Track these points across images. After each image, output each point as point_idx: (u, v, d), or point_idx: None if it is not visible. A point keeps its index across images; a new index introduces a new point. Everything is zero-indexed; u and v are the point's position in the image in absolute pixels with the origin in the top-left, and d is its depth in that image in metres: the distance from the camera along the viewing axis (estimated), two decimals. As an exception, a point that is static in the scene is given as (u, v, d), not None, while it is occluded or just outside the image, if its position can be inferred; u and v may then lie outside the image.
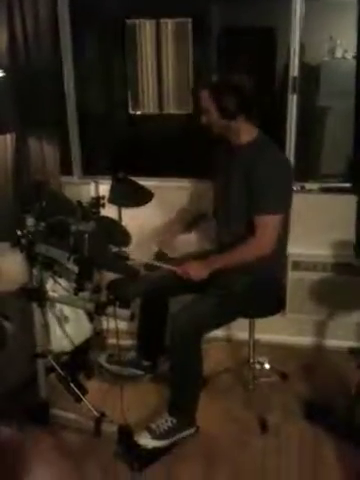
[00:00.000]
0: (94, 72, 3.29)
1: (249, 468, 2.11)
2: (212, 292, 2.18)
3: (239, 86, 2.06)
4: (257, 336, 2.57)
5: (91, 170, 3.06)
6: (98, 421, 2.21)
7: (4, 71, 2.66)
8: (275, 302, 2.30)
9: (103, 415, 2.23)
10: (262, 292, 2.21)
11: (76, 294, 2.01)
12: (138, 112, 3.23)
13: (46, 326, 2.27)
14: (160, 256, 2.58)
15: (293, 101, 2.73)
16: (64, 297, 2.14)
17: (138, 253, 2.48)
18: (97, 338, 2.75)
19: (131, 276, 2.04)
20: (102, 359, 2.70)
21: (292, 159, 2.77)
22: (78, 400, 2.25)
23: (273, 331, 2.87)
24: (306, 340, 2.94)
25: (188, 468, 2.11)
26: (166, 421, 2.17)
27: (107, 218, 2.48)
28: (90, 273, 1.94)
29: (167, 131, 3.29)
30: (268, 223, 2.07)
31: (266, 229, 2.07)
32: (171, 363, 2.16)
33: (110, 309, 2.01)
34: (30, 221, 2.14)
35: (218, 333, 2.84)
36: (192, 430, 2.22)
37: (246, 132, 2.16)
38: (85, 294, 2.11)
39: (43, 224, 2.13)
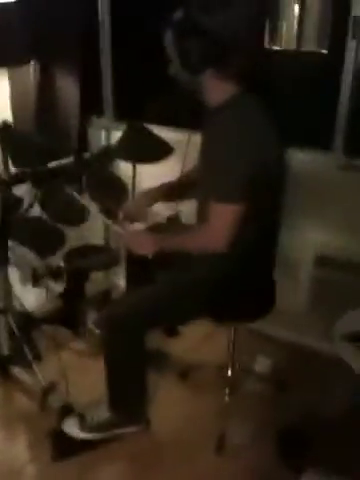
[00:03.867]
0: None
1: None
2: (161, 279, 1.83)
3: (209, 29, 1.50)
4: (267, 330, 2.26)
5: (125, 113, 2.72)
6: (45, 392, 2.07)
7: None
8: (250, 306, 1.84)
9: (52, 387, 2.08)
10: (229, 292, 1.78)
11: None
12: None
13: (7, 283, 2.13)
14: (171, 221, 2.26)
15: (353, 49, 2.08)
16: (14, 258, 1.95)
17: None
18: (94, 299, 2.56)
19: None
20: (90, 321, 2.51)
21: (342, 126, 2.17)
22: (28, 365, 2.13)
23: (287, 327, 2.43)
24: (324, 347, 2.41)
25: (110, 470, 1.88)
26: (103, 412, 1.93)
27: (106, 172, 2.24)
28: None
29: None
30: (220, 212, 1.61)
31: (217, 219, 1.62)
32: (104, 355, 1.87)
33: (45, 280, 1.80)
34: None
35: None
36: (135, 428, 1.96)
37: (216, 92, 1.63)
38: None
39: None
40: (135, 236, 1.80)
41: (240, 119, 1.60)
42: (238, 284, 1.77)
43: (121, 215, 2.06)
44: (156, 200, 2.01)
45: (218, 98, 1.63)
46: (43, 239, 1.85)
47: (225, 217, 1.59)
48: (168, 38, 1.58)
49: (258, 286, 1.84)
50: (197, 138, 1.80)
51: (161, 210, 2.20)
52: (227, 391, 2.11)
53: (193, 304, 1.81)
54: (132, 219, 1.98)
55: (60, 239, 1.87)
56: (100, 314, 1.92)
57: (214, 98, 1.64)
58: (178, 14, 1.54)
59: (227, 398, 2.11)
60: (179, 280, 1.82)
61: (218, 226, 1.61)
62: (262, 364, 2.32)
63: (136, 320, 1.76)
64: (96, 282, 2.64)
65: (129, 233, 1.81)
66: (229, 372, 2.12)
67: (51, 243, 1.85)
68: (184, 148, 1.98)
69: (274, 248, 1.85)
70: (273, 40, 2.36)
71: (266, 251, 1.82)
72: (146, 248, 1.74)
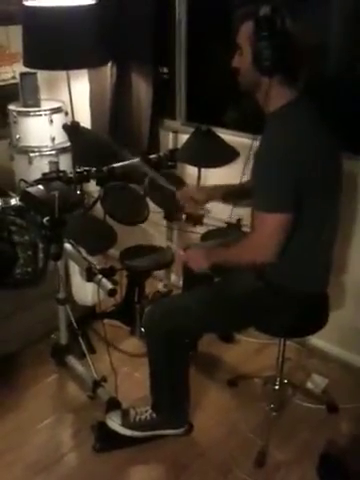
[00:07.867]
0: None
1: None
2: (206, 287, 1.81)
3: (294, 33, 1.47)
4: (328, 349, 2.24)
5: (197, 116, 2.72)
6: (95, 385, 2.14)
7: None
8: (298, 321, 1.77)
9: (103, 380, 2.14)
10: (275, 305, 1.72)
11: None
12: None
13: (67, 276, 2.22)
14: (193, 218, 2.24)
15: None
16: (72, 253, 2.02)
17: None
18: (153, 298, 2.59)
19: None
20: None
21: None
22: (83, 356, 2.21)
23: (352, 349, 2.32)
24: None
25: (145, 470, 1.90)
26: (146, 411, 1.95)
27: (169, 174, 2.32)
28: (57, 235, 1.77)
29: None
30: (265, 222, 1.55)
31: (263, 228, 1.57)
32: (148, 356, 1.89)
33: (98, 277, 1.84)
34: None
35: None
36: (175, 431, 1.97)
37: (276, 98, 1.57)
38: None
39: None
40: (189, 253, 1.81)
41: (292, 127, 1.55)
42: (287, 296, 1.72)
43: (183, 216, 2.13)
44: (212, 197, 2.02)
45: (276, 104, 1.59)
46: (94, 237, 1.90)
47: (270, 226, 1.55)
48: (246, 31, 1.53)
49: (309, 300, 1.76)
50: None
51: (223, 215, 2.20)
52: (273, 405, 2.06)
53: (236, 315, 1.79)
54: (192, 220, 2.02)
55: (111, 238, 1.91)
56: (144, 315, 1.94)
57: (272, 103, 1.59)
58: (265, 9, 1.47)
59: (273, 412, 2.06)
60: (225, 288, 1.81)
61: (266, 235, 1.56)
62: (316, 382, 2.23)
63: (170, 329, 1.75)
64: (157, 281, 2.69)
65: (184, 252, 1.82)
66: (276, 386, 2.06)
67: (102, 242, 1.90)
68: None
69: (329, 260, 1.78)
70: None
71: (318, 263, 1.75)
72: (199, 265, 1.75)
